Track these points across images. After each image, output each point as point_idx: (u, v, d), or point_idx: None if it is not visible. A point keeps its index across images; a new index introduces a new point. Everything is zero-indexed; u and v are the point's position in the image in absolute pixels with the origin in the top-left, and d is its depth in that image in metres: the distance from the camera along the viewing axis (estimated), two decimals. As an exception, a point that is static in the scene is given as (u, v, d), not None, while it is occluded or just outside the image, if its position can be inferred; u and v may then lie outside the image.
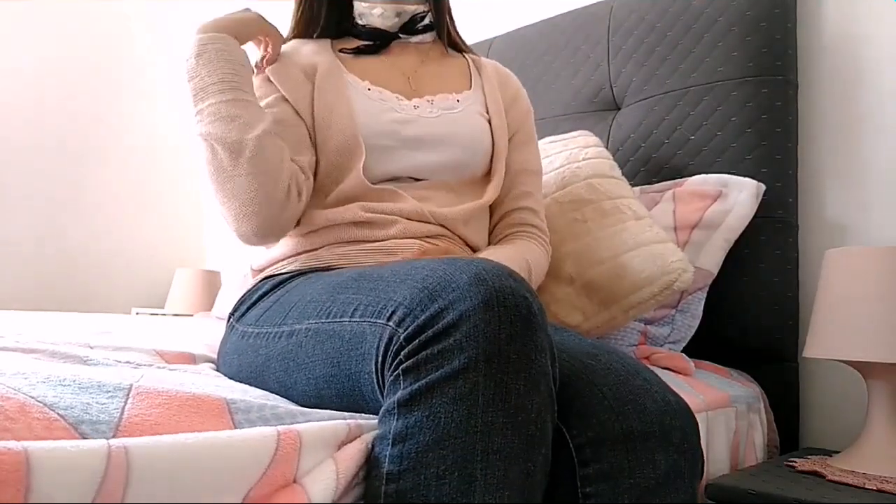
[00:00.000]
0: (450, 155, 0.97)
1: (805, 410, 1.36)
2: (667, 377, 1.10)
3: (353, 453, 0.55)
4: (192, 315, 2.39)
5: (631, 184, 1.33)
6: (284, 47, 1.02)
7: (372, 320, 0.60)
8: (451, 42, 1.11)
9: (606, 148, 1.39)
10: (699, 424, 1.01)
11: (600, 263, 1.13)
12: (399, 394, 0.54)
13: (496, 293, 0.54)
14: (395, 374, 0.55)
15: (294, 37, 1.06)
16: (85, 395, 0.50)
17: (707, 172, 1.36)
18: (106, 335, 0.96)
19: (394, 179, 0.96)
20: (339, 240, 0.91)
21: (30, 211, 2.49)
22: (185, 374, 0.70)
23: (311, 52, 1.01)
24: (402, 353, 0.55)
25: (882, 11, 1.34)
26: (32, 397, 0.47)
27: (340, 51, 1.03)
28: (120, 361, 0.72)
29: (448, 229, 0.96)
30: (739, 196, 1.27)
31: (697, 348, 1.30)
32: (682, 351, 1.24)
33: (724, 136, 1.38)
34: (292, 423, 0.56)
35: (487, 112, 1.05)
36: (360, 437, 0.57)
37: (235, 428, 0.53)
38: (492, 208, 1.07)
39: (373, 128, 0.94)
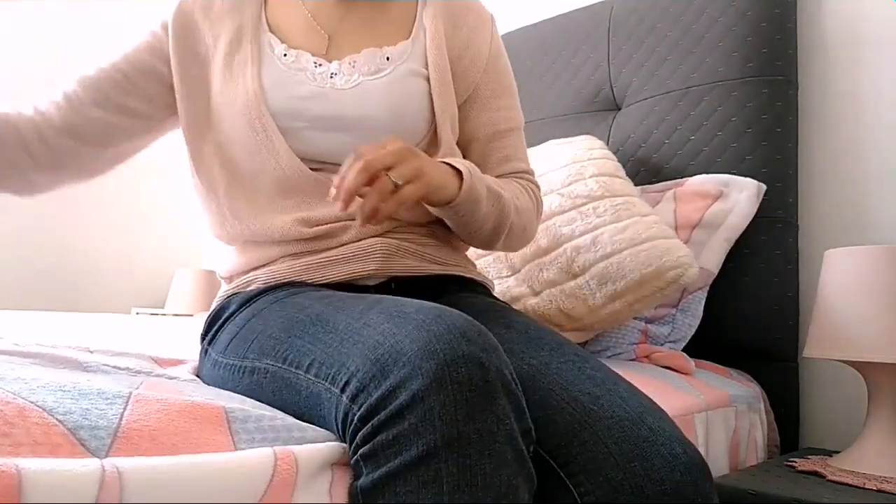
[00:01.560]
0: (370, 137, 0.82)
1: (805, 410, 1.36)
2: (667, 376, 1.10)
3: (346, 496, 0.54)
4: (192, 315, 2.39)
5: (632, 183, 1.34)
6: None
7: (326, 385, 0.59)
8: None
9: (607, 148, 1.39)
10: (699, 426, 1.01)
11: (606, 257, 1.13)
12: (361, 481, 0.52)
13: (448, 367, 0.51)
14: (355, 458, 0.53)
15: None
16: (84, 400, 0.50)
17: (707, 172, 1.36)
18: (106, 338, 0.96)
19: (318, 166, 0.84)
20: (292, 252, 0.84)
21: (30, 211, 2.49)
22: (183, 382, 0.70)
23: (230, 7, 0.89)
24: (357, 435, 0.53)
25: (882, 11, 1.34)
26: (31, 402, 0.47)
27: None
28: (119, 367, 0.72)
29: (403, 222, 0.87)
30: (740, 196, 1.27)
31: (697, 348, 1.30)
32: (683, 350, 1.24)
33: (724, 137, 1.38)
34: (289, 438, 0.55)
35: (427, 67, 0.88)
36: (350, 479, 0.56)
37: (233, 437, 0.53)
38: None
39: (278, 105, 0.83)
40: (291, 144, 0.83)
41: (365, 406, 0.53)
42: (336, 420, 0.57)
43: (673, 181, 1.37)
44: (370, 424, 0.52)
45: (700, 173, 1.36)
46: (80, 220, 2.62)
